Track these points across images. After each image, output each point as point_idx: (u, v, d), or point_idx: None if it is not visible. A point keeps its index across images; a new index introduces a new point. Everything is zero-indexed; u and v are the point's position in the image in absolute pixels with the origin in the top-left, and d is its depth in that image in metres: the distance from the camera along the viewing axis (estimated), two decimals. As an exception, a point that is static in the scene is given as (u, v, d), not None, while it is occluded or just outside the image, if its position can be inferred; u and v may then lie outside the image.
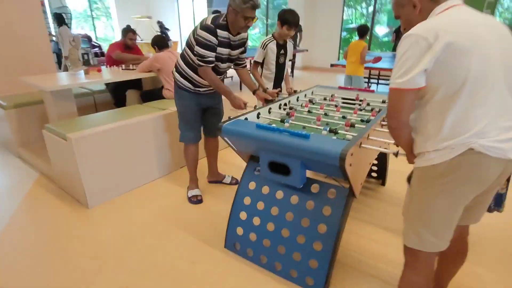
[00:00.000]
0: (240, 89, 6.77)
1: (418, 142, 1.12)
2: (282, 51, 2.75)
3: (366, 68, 4.77)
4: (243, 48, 2.26)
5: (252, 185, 1.88)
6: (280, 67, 2.80)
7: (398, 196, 2.54)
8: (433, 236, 1.11)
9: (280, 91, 2.76)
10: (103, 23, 11.91)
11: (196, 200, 2.44)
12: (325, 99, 2.47)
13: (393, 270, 1.79)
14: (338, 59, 9.51)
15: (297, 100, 2.39)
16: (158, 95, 3.40)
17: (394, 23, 9.22)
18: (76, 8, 10.72)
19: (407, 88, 1.01)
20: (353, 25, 10.93)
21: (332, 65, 5.72)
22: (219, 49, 2.08)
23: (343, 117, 2.00)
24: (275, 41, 2.69)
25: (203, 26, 2.00)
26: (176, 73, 2.29)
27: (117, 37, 11.22)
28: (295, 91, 2.62)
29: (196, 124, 2.37)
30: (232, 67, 2.37)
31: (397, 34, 7.15)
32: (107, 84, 3.77)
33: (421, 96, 1.07)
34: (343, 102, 2.35)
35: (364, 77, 4.84)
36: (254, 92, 2.41)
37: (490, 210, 1.49)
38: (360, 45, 4.23)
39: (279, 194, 1.78)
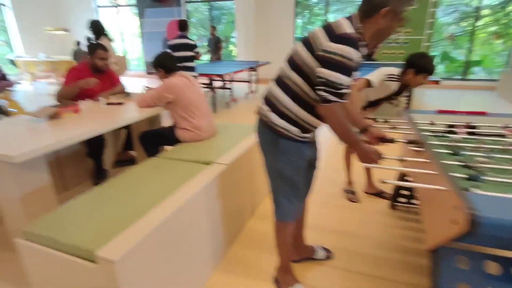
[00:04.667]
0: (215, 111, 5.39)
1: None
2: (393, 98, 2.33)
3: None
4: None
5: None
6: (376, 104, 2.38)
7: None
8: None
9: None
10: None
11: (308, 303, 1.61)
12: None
13: None
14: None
15: (425, 135, 1.76)
16: (169, 138, 2.38)
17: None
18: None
19: None
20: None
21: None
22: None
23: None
24: (399, 83, 2.21)
25: (340, 37, 1.19)
26: (272, 115, 1.42)
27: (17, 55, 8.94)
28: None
29: (304, 188, 1.55)
30: None
31: None
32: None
33: None
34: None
35: None
36: (363, 131, 1.69)
37: None
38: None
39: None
